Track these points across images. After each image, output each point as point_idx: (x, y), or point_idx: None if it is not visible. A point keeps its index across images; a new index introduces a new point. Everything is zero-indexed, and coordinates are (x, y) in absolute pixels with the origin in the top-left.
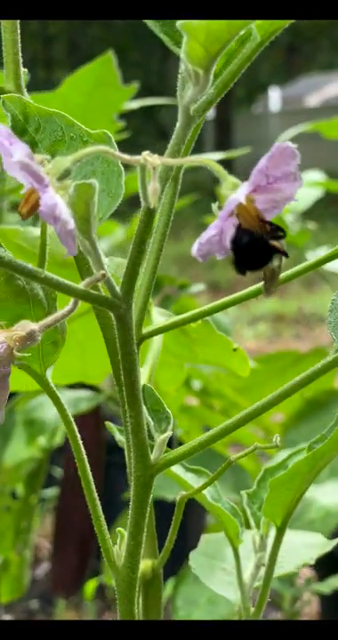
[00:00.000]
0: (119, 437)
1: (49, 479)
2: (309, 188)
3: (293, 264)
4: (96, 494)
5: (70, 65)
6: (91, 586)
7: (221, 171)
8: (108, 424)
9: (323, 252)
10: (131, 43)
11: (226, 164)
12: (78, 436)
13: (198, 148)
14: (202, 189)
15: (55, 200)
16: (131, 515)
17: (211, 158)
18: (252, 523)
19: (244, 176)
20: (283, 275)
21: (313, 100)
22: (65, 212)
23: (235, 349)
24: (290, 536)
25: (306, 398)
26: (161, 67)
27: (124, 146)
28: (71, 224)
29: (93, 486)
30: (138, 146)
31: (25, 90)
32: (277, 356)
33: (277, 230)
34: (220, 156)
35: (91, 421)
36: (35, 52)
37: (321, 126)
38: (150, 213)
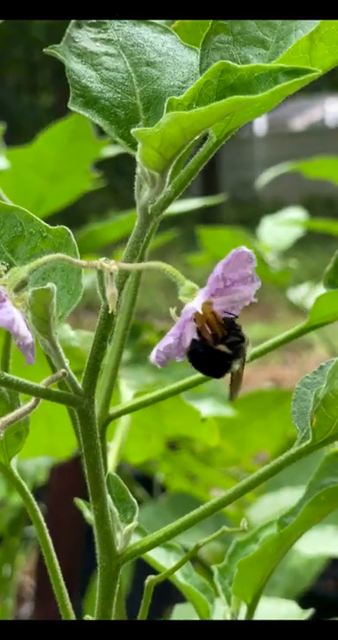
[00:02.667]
0: (88, 515)
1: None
2: (290, 226)
3: (276, 298)
4: (63, 582)
5: (55, 90)
6: None
7: (178, 275)
8: (78, 501)
9: (305, 288)
10: None
11: (213, 186)
12: (46, 529)
13: None
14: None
15: (12, 315)
16: (97, 605)
17: (194, 206)
18: (223, 597)
19: (230, 198)
20: (262, 345)
21: (298, 124)
22: (23, 328)
23: (203, 420)
24: (264, 605)
25: (290, 437)
26: None
27: (102, 191)
28: (29, 338)
29: (60, 574)
30: (115, 189)
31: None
32: (258, 395)
33: (237, 333)
34: (202, 202)
35: (71, 468)
36: (19, 78)
37: (302, 166)
38: (110, 314)
